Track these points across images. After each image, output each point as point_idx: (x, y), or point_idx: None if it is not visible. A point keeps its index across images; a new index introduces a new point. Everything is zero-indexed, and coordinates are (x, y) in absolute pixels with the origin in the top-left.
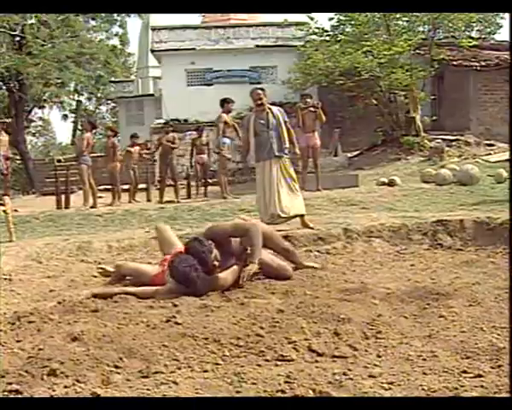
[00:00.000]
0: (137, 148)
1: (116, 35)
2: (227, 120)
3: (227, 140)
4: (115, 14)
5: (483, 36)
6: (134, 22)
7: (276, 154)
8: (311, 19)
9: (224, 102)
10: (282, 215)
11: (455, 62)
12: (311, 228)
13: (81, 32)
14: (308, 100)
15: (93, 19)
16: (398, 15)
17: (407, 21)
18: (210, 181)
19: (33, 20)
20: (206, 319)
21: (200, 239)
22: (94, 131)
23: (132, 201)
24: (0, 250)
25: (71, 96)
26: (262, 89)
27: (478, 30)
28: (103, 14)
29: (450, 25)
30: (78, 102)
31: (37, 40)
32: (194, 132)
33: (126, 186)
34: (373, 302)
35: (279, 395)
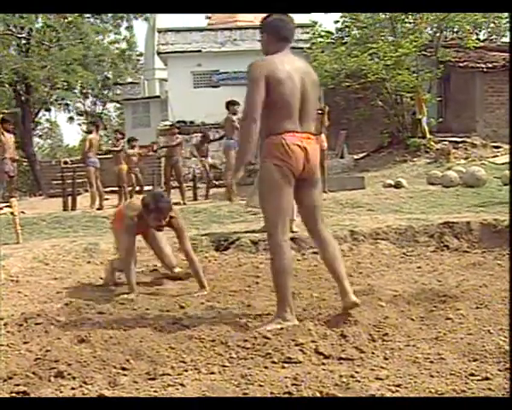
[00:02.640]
0: (136, 150)
1: (124, 39)
2: (234, 121)
3: (235, 142)
4: (121, 15)
5: (491, 38)
6: (140, 25)
7: None
8: (315, 23)
9: (229, 104)
10: None
11: (461, 64)
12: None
13: (88, 35)
14: None
15: (100, 21)
16: (403, 17)
17: (413, 23)
18: (216, 183)
19: (40, 24)
20: (213, 321)
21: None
22: (99, 132)
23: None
24: (7, 252)
25: (77, 99)
26: None
27: (487, 31)
28: (110, 16)
29: (456, 26)
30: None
31: (43, 43)
32: (199, 136)
33: (130, 188)
34: (379, 305)
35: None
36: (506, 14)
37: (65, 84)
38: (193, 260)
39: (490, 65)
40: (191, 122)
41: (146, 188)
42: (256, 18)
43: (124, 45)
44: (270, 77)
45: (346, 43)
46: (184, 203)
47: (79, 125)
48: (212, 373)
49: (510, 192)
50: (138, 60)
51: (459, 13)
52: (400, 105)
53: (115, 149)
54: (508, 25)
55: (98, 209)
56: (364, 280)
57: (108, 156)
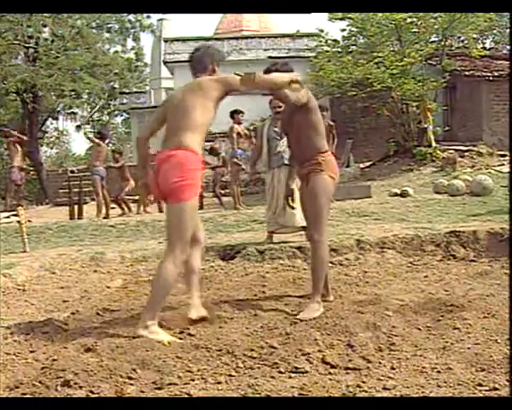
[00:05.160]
0: None
1: (132, 49)
2: (239, 130)
3: (240, 151)
4: (128, 26)
5: (496, 46)
6: (147, 34)
7: (286, 162)
8: (321, 31)
9: (234, 114)
10: (287, 225)
11: (467, 73)
12: None
13: (95, 44)
14: (324, 113)
15: (107, 31)
16: (409, 25)
17: (418, 32)
18: (222, 192)
19: (47, 34)
20: (220, 331)
21: None
22: (106, 141)
23: (143, 212)
24: (14, 260)
25: (84, 107)
26: None
27: (493, 40)
28: (117, 27)
29: (460, 34)
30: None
31: (50, 52)
32: (208, 144)
33: (137, 197)
34: (386, 314)
35: None
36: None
37: (72, 92)
38: None
39: (496, 73)
40: None
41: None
42: (262, 28)
43: (131, 55)
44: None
45: (351, 52)
46: None
47: (85, 134)
48: (219, 383)
49: (510, 201)
50: (142, 70)
51: (463, 20)
52: (406, 114)
53: (116, 165)
54: None
55: (104, 218)
56: (371, 289)
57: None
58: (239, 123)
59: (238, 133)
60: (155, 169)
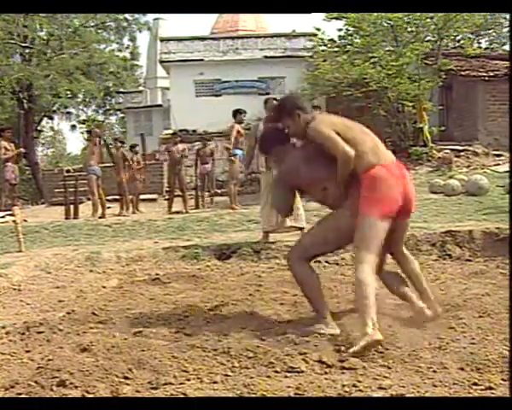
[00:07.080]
0: (136, 157)
1: (127, 47)
2: (240, 130)
3: (239, 151)
4: (125, 24)
5: (492, 46)
6: (143, 34)
7: None
8: (318, 29)
9: (237, 113)
10: (282, 225)
11: (463, 72)
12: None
13: (91, 43)
14: (318, 112)
15: (104, 30)
16: (405, 25)
17: (414, 31)
18: (219, 192)
19: (43, 33)
20: (216, 330)
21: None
22: (98, 139)
23: (136, 211)
24: (10, 260)
25: (79, 107)
26: (276, 99)
27: (488, 39)
28: (113, 25)
29: (458, 34)
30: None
31: (46, 52)
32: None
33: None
34: (382, 313)
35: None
36: (507, 23)
37: (68, 92)
38: None
39: (491, 73)
40: (193, 131)
41: (142, 196)
42: (258, 27)
43: (127, 54)
44: None
45: (348, 51)
46: (187, 212)
47: (82, 133)
48: (215, 382)
49: (510, 201)
50: (135, 71)
51: (459, 19)
52: (402, 114)
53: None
54: (508, 34)
55: (100, 218)
56: None
57: (110, 165)
58: (240, 122)
59: (239, 132)
60: (397, 181)
